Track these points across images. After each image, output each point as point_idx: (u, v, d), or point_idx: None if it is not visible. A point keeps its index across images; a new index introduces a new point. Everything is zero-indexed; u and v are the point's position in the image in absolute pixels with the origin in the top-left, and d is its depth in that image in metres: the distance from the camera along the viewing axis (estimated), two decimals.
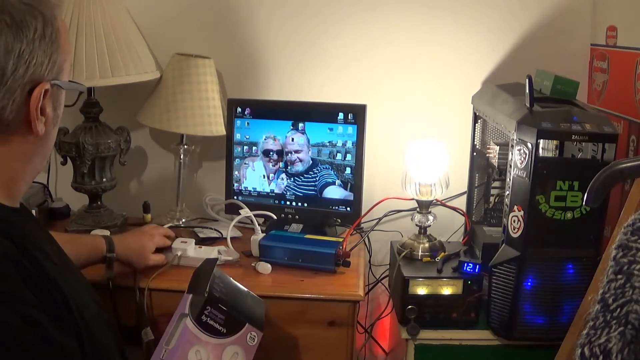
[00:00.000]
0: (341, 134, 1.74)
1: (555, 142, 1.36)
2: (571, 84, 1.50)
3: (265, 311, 1.29)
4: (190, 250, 1.55)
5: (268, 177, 1.84)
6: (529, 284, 1.39)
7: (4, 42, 0.80)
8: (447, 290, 1.50)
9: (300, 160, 1.80)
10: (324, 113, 1.76)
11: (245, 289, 1.29)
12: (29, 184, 0.93)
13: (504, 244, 1.43)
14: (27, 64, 0.82)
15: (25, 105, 0.83)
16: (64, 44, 0.88)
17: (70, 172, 1.80)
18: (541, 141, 1.32)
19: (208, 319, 1.11)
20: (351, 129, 1.73)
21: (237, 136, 1.85)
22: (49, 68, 0.85)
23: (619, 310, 0.91)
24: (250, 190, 1.86)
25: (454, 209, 1.88)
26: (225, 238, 1.70)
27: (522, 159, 1.34)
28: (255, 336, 1.19)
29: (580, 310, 1.19)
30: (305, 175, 1.80)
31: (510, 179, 1.39)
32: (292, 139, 1.79)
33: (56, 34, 0.86)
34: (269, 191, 1.85)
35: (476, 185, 1.81)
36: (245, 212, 1.68)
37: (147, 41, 1.82)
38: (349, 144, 1.74)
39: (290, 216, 1.82)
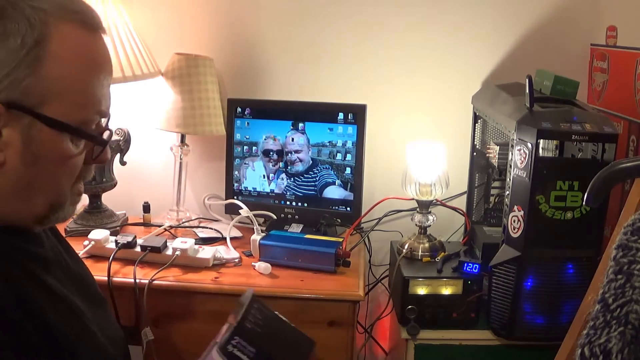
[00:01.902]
0: (341, 134, 1.74)
1: (555, 142, 1.36)
2: (571, 84, 1.50)
3: (314, 355, 1.13)
4: (190, 250, 1.55)
5: (268, 177, 1.84)
6: (529, 284, 1.39)
7: None
8: (447, 290, 1.50)
9: (300, 160, 1.80)
10: (324, 113, 1.76)
11: (292, 326, 1.18)
12: (21, 214, 0.79)
13: (504, 244, 1.43)
14: None
15: None
16: (59, 70, 0.72)
17: None
18: (541, 141, 1.32)
19: (235, 349, 1.01)
20: (351, 129, 1.73)
21: (237, 136, 1.85)
22: (6, 85, 0.69)
23: (619, 310, 0.91)
24: (250, 190, 1.86)
25: (454, 209, 1.88)
26: (225, 238, 1.70)
27: (522, 159, 1.34)
28: None
29: (580, 310, 1.19)
30: (305, 175, 1.80)
31: (510, 179, 1.39)
32: (292, 139, 1.79)
33: (34, 48, 0.70)
34: (269, 191, 1.85)
35: (476, 185, 1.81)
36: (245, 212, 1.68)
37: (147, 41, 1.82)
38: (349, 144, 1.74)
39: (290, 216, 1.82)
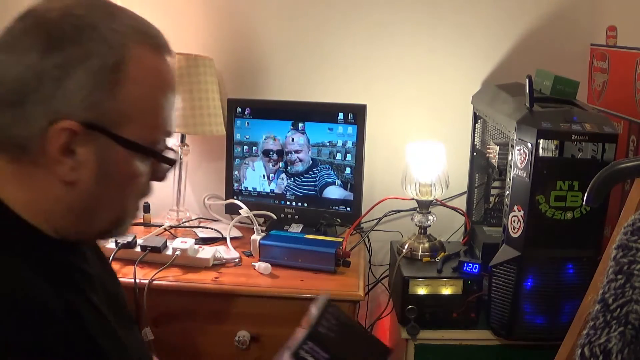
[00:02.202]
0: (341, 134, 1.74)
1: (555, 142, 1.36)
2: (571, 84, 1.50)
3: None
4: (190, 250, 1.55)
5: (268, 177, 1.84)
6: (529, 284, 1.39)
7: (29, 58, 0.69)
8: (447, 290, 1.50)
9: (300, 160, 1.80)
10: (324, 113, 1.76)
11: (367, 332, 1.15)
12: (84, 226, 0.80)
13: (504, 244, 1.43)
14: (52, 91, 0.69)
15: (42, 135, 0.70)
16: (134, 92, 0.73)
17: None
18: (541, 141, 1.32)
19: (307, 354, 0.99)
20: (351, 129, 1.73)
21: (237, 136, 1.85)
22: (83, 107, 0.70)
23: (619, 310, 0.91)
24: (250, 190, 1.86)
25: (454, 209, 1.88)
26: (225, 238, 1.70)
27: (522, 159, 1.34)
28: None
29: (580, 310, 1.19)
30: (305, 175, 1.80)
31: (510, 179, 1.39)
32: (292, 139, 1.79)
33: (114, 71, 0.72)
34: (269, 191, 1.85)
35: (476, 185, 1.81)
36: (245, 212, 1.68)
37: None
38: (349, 144, 1.74)
39: (290, 216, 1.82)
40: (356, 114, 1.73)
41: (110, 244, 1.57)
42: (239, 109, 1.84)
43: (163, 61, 0.79)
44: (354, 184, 1.75)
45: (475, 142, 1.80)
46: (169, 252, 1.55)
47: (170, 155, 0.82)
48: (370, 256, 1.83)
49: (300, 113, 1.79)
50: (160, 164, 0.82)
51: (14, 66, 0.70)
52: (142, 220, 1.84)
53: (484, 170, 1.77)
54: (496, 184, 1.72)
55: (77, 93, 0.70)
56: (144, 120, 0.76)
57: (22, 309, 0.66)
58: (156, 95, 0.78)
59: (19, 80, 0.69)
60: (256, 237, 1.62)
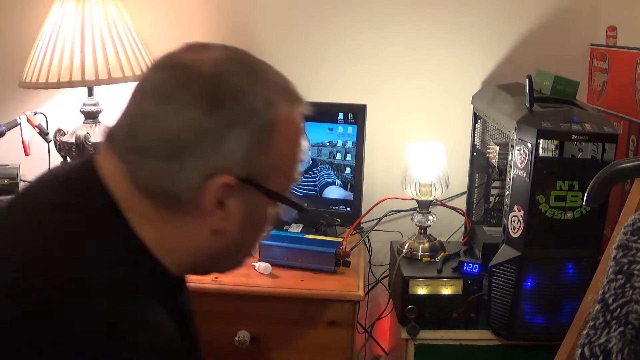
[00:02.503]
0: (341, 134, 1.74)
1: (555, 142, 1.36)
2: (571, 84, 1.50)
3: None
4: None
5: None
6: (529, 284, 1.39)
7: (192, 115, 0.70)
8: (447, 290, 1.50)
9: None
10: (324, 113, 1.76)
11: None
12: (209, 271, 0.85)
13: (504, 244, 1.43)
14: (213, 148, 0.71)
15: (199, 188, 0.72)
16: (284, 148, 0.77)
17: None
18: (541, 141, 1.32)
19: None
20: (351, 129, 1.73)
21: None
22: (242, 163, 0.73)
23: (619, 310, 0.91)
24: None
25: (454, 209, 1.88)
26: None
27: (522, 159, 1.34)
28: None
29: (580, 310, 1.19)
30: (305, 175, 1.80)
31: (510, 179, 1.39)
32: None
33: (268, 130, 0.74)
34: None
35: (476, 185, 1.81)
36: None
37: (147, 41, 1.82)
38: (349, 144, 1.74)
39: None
40: (356, 114, 1.73)
41: None
42: None
43: (299, 114, 0.81)
44: (354, 184, 1.75)
45: (475, 142, 1.80)
46: None
47: (298, 201, 0.86)
48: (370, 256, 1.83)
49: None
50: (289, 208, 0.85)
51: (174, 120, 0.71)
52: None
53: (484, 170, 1.77)
54: (496, 184, 1.72)
55: (236, 150, 0.72)
56: (286, 171, 0.80)
57: (175, 354, 0.70)
58: (296, 147, 0.81)
59: (179, 135, 0.71)
60: None
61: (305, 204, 0.83)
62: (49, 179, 0.81)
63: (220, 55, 0.77)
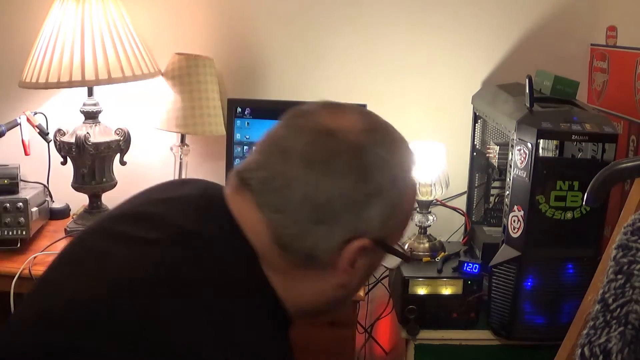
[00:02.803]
0: None
1: (555, 142, 1.36)
2: (571, 84, 1.50)
3: None
4: None
5: None
6: (529, 284, 1.39)
7: (342, 185, 0.75)
8: (447, 290, 1.50)
9: None
10: None
11: None
12: (311, 314, 0.90)
13: (504, 244, 1.43)
14: (357, 215, 0.76)
15: (338, 250, 0.77)
16: (405, 210, 0.83)
17: (70, 172, 1.80)
18: (541, 141, 1.32)
19: None
20: None
21: (237, 136, 1.84)
22: (378, 227, 0.78)
23: (619, 310, 0.91)
24: None
25: (454, 209, 1.88)
26: None
27: (522, 159, 1.34)
28: None
29: (580, 310, 1.19)
30: None
31: (510, 179, 1.39)
32: None
33: (400, 198, 0.80)
34: None
35: (476, 185, 1.81)
36: None
37: (147, 41, 1.82)
38: None
39: None
40: None
41: None
42: (239, 109, 1.84)
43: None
44: None
45: (475, 142, 1.80)
46: None
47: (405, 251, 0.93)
48: None
49: None
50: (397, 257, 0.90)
51: (324, 189, 0.75)
52: None
53: (484, 170, 1.77)
54: (496, 184, 1.72)
55: (375, 216, 0.77)
56: (404, 228, 0.86)
57: None
58: (414, 205, 0.88)
59: (328, 203, 0.75)
60: None
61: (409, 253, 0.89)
62: (178, 204, 0.83)
63: (358, 121, 0.80)
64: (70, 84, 1.64)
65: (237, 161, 1.85)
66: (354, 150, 0.76)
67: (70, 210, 1.94)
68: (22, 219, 1.62)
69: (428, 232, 1.67)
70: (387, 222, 0.79)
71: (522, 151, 1.34)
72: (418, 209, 1.67)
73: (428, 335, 1.49)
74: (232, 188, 0.81)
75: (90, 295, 0.72)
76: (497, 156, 1.56)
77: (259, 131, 1.82)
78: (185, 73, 1.77)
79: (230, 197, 0.80)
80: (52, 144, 1.82)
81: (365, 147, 0.77)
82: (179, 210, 0.81)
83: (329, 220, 0.75)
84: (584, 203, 1.11)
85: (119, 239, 0.79)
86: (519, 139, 1.34)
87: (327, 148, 0.76)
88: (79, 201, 1.88)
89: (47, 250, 1.65)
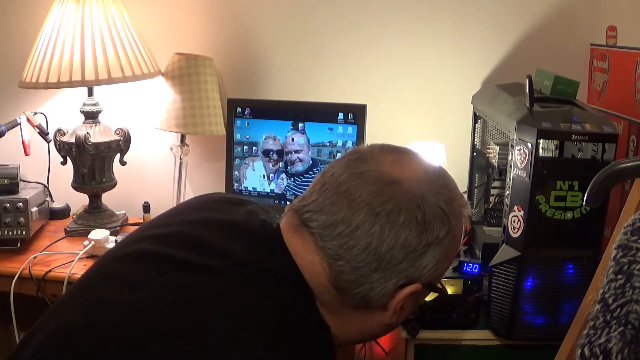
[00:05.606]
0: (341, 134, 1.75)
1: (555, 142, 1.36)
2: (571, 84, 1.50)
3: None
4: None
5: (268, 177, 1.84)
6: (529, 284, 1.39)
7: (405, 236, 0.78)
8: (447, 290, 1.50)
9: (300, 160, 1.80)
10: (324, 113, 1.76)
11: None
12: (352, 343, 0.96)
13: (504, 244, 1.43)
14: (413, 263, 0.80)
15: (391, 295, 0.82)
16: (453, 253, 0.86)
17: (70, 172, 1.80)
18: (541, 141, 1.32)
19: None
20: (351, 129, 1.73)
21: (237, 136, 1.85)
22: (430, 272, 0.82)
23: (619, 310, 0.91)
24: (250, 190, 1.86)
25: None
26: None
27: (522, 159, 1.34)
28: None
29: (580, 310, 1.19)
30: (306, 175, 1.80)
31: (510, 179, 1.39)
32: (292, 139, 1.79)
33: (452, 243, 0.84)
34: (269, 191, 1.85)
35: (476, 185, 1.81)
36: None
37: (147, 41, 1.82)
38: (349, 144, 1.74)
39: None
40: (356, 114, 1.73)
41: (111, 244, 1.57)
42: (239, 109, 1.84)
43: None
44: None
45: (475, 142, 1.80)
46: None
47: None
48: None
49: (300, 113, 1.79)
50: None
51: (388, 239, 0.78)
52: (142, 221, 1.84)
53: (484, 170, 1.77)
54: (496, 184, 1.72)
55: (429, 263, 0.81)
56: (447, 268, 0.89)
57: None
58: (459, 246, 0.91)
59: (390, 252, 0.78)
60: None
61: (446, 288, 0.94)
62: (236, 234, 0.85)
63: (419, 169, 0.84)
64: (70, 84, 1.64)
65: (237, 161, 1.86)
66: (417, 203, 0.79)
67: (70, 210, 1.94)
68: (22, 219, 1.63)
69: None
70: (438, 267, 0.82)
71: (522, 151, 1.34)
72: None
73: (428, 335, 1.49)
74: (290, 225, 0.84)
75: (150, 321, 0.75)
76: (497, 156, 1.56)
77: (259, 131, 1.83)
78: (185, 73, 1.77)
79: (288, 234, 0.83)
80: (52, 144, 1.82)
81: (427, 198, 0.80)
82: (239, 241, 0.84)
83: (387, 268, 0.79)
84: (584, 203, 1.11)
85: (180, 268, 0.80)
86: (519, 139, 1.34)
87: (392, 199, 0.78)
88: (79, 201, 1.88)
89: (47, 250, 1.65)
